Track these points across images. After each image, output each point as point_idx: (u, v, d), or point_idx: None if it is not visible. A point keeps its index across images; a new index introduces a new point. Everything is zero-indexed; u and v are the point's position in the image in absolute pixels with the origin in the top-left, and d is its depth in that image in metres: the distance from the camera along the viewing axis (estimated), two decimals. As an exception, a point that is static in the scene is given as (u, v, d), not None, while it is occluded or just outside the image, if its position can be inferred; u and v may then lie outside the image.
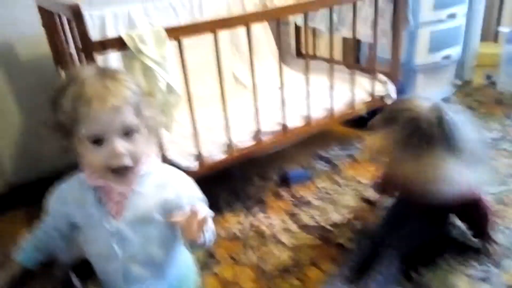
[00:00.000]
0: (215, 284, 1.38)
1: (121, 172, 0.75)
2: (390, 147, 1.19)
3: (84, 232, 0.83)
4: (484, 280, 1.30)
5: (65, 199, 0.83)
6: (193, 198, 0.85)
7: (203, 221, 0.75)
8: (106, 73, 0.75)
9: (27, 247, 0.87)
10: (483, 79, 2.92)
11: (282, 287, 1.34)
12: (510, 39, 2.63)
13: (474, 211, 1.36)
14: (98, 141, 0.72)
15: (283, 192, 1.85)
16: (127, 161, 0.74)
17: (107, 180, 0.77)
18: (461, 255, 1.40)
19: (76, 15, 1.18)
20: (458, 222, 1.51)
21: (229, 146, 1.59)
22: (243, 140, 1.64)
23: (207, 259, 1.47)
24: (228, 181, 1.93)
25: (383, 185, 1.57)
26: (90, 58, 1.22)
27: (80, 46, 1.22)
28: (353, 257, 1.37)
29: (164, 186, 0.82)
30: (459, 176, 1.13)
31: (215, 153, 1.57)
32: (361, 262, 1.34)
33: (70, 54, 1.52)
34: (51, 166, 1.66)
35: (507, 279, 1.29)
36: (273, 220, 1.67)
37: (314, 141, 2.21)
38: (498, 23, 2.99)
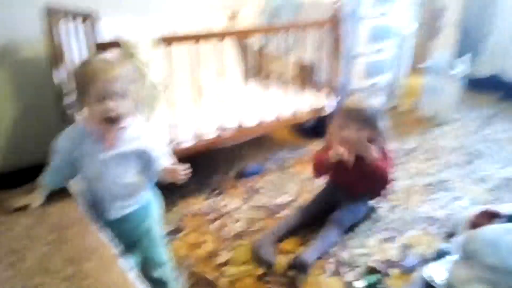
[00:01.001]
0: (182, 246, 1.72)
1: (111, 121, 1.12)
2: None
3: (82, 161, 1.18)
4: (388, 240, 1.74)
5: (71, 138, 1.17)
6: (159, 149, 1.24)
7: (182, 171, 1.20)
8: (109, 58, 1.15)
9: (49, 174, 1.20)
10: (410, 105, 3.49)
11: (234, 246, 1.72)
12: (429, 71, 3.22)
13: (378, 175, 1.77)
14: (101, 99, 1.09)
15: (239, 184, 2.23)
16: (114, 114, 1.11)
17: (101, 127, 1.14)
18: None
19: (94, 19, 1.53)
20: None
21: (197, 136, 2.00)
22: (208, 132, 2.05)
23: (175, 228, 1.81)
24: (193, 174, 2.28)
25: (318, 166, 1.92)
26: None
27: (87, 46, 1.57)
28: (280, 223, 1.81)
29: (140, 137, 1.20)
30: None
31: (186, 140, 1.96)
32: (285, 227, 1.77)
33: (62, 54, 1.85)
34: (34, 158, 1.90)
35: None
36: (229, 202, 2.05)
37: (268, 146, 2.66)
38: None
